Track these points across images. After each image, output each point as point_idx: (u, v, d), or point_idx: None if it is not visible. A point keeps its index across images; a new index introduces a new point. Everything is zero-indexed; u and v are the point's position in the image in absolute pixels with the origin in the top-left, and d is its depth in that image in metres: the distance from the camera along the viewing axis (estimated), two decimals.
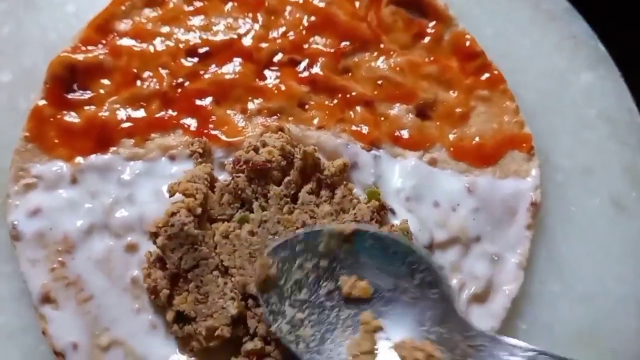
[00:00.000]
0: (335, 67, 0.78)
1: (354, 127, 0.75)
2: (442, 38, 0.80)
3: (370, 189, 0.71)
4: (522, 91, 0.80)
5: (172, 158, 0.72)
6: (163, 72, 0.76)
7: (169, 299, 0.64)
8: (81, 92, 0.75)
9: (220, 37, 0.78)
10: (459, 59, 0.79)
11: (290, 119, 0.75)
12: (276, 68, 0.78)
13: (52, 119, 0.73)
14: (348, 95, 0.76)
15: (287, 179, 0.69)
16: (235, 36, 0.78)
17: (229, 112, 0.75)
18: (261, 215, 0.67)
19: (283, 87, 0.76)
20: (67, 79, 0.75)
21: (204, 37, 0.78)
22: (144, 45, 0.77)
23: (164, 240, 0.63)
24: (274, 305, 0.60)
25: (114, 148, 0.73)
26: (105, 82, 0.75)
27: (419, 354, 0.55)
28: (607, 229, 0.76)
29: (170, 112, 0.75)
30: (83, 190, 0.71)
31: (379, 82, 0.77)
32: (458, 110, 0.77)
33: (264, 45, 0.78)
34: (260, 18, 0.80)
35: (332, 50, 0.78)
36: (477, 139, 0.76)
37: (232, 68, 0.77)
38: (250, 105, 0.75)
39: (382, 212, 0.69)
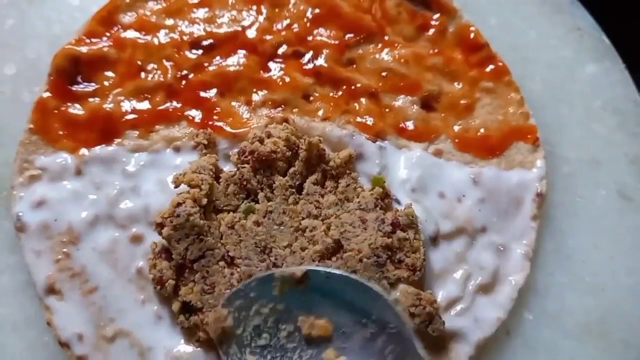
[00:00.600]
0: (340, 58, 0.78)
1: (358, 119, 0.74)
2: (447, 30, 0.80)
3: (375, 176, 0.71)
4: (528, 83, 0.80)
5: (177, 149, 0.72)
6: (167, 64, 0.76)
7: (174, 290, 0.64)
8: (85, 84, 0.75)
9: (224, 30, 0.78)
10: (464, 50, 0.79)
11: (294, 110, 0.75)
12: (280, 60, 0.77)
13: (56, 111, 0.73)
14: (353, 87, 0.76)
15: (292, 169, 0.69)
16: (239, 28, 0.78)
17: (233, 103, 0.75)
18: (266, 205, 0.67)
19: (287, 79, 0.76)
20: (71, 71, 0.75)
21: (208, 29, 0.78)
22: (148, 38, 0.77)
23: (170, 230, 0.63)
24: (235, 355, 0.60)
25: (119, 140, 0.72)
26: (110, 74, 0.75)
27: None
28: (614, 221, 0.75)
29: (174, 103, 0.74)
30: (87, 181, 0.70)
31: (384, 73, 0.77)
32: (463, 101, 0.77)
33: (268, 37, 0.78)
34: (264, 10, 0.80)
35: (337, 42, 0.78)
36: (482, 130, 0.76)
37: (236, 60, 0.77)
38: (255, 97, 0.75)
39: (386, 199, 0.69)
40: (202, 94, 0.75)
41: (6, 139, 0.74)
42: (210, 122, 0.73)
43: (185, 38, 0.77)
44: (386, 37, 0.79)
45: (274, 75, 0.76)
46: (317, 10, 0.79)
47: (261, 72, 0.76)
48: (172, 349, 0.65)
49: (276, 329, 0.61)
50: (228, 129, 0.73)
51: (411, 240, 0.66)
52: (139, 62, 0.76)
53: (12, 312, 0.68)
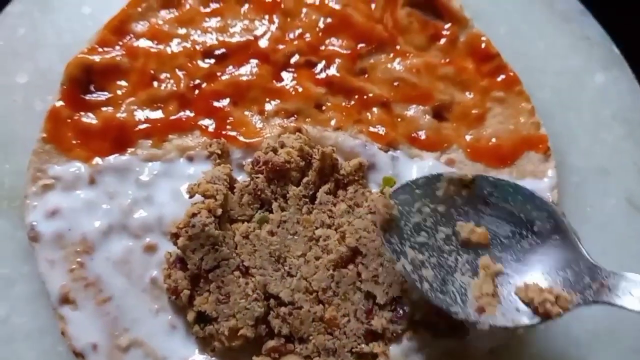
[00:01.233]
0: (352, 68, 0.78)
1: (371, 128, 0.75)
2: (458, 39, 0.80)
3: (386, 175, 0.71)
4: (537, 91, 0.80)
5: (190, 159, 0.72)
6: (180, 73, 0.76)
7: (189, 300, 0.64)
8: (98, 93, 0.75)
9: (236, 39, 0.79)
10: (475, 60, 0.80)
11: (307, 120, 0.75)
12: (293, 69, 0.78)
13: (69, 120, 0.73)
14: (365, 97, 0.76)
15: (305, 179, 0.69)
16: (251, 38, 0.79)
17: (246, 113, 0.75)
18: (280, 215, 0.67)
19: (300, 89, 0.76)
20: (83, 80, 0.75)
21: (221, 38, 0.78)
22: (161, 47, 0.78)
23: (185, 241, 0.63)
24: (395, 245, 0.61)
25: (132, 149, 0.73)
26: (122, 83, 0.76)
27: (547, 296, 0.56)
28: (624, 229, 0.76)
29: (187, 113, 0.75)
30: (101, 191, 0.71)
31: (396, 83, 0.78)
32: (474, 111, 0.77)
33: (280, 46, 0.78)
34: (276, 20, 0.80)
35: (349, 52, 0.78)
36: (493, 139, 0.76)
37: (249, 69, 0.77)
38: (268, 107, 0.76)
39: None
40: (215, 103, 0.75)
41: (19, 147, 0.74)
42: (223, 132, 0.73)
43: (197, 47, 0.78)
44: (398, 47, 0.80)
45: (286, 84, 0.77)
46: (329, 20, 0.80)
47: (274, 81, 0.77)
48: (187, 358, 0.65)
49: (434, 230, 0.62)
50: (241, 138, 0.73)
51: None
52: (152, 71, 0.76)
53: (26, 321, 0.69)
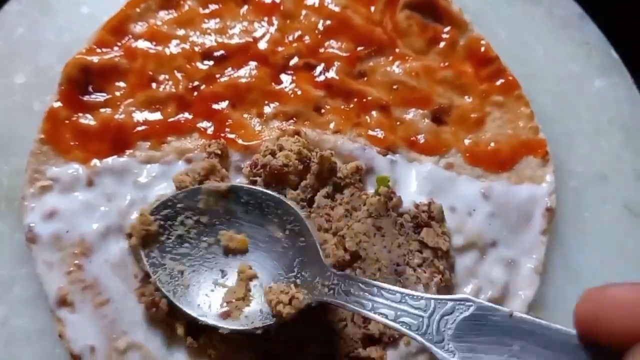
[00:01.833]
0: (351, 71, 0.78)
1: (370, 132, 0.75)
2: (457, 43, 0.80)
3: (379, 175, 0.72)
4: (537, 96, 0.80)
5: (189, 161, 0.72)
6: (179, 75, 0.76)
7: (170, 309, 0.64)
8: (96, 94, 0.75)
9: (235, 41, 0.78)
10: (474, 64, 0.79)
11: (306, 123, 0.75)
12: (292, 72, 0.78)
13: (67, 121, 0.73)
14: (364, 100, 0.76)
15: (303, 183, 0.69)
16: (250, 40, 0.78)
17: (245, 115, 0.75)
18: None
19: (299, 91, 0.76)
20: (82, 81, 0.75)
21: (220, 40, 0.78)
22: (160, 48, 0.77)
23: (135, 241, 0.64)
24: (155, 258, 0.64)
25: (130, 151, 0.73)
26: (121, 84, 0.75)
27: (283, 297, 0.58)
28: (621, 235, 0.76)
29: (186, 115, 0.75)
30: (99, 192, 0.71)
31: (395, 86, 0.78)
32: (473, 115, 0.77)
33: (279, 49, 0.78)
34: (275, 22, 0.80)
35: (348, 55, 0.78)
36: (492, 144, 0.76)
37: (248, 72, 0.77)
38: (267, 109, 0.75)
39: (392, 198, 0.69)
40: (214, 105, 0.75)
41: (17, 148, 0.74)
42: (222, 134, 0.73)
43: (196, 49, 0.77)
44: (397, 50, 0.79)
45: (285, 87, 0.77)
46: (328, 22, 0.79)
47: (272, 84, 0.77)
48: None
49: (198, 240, 0.65)
50: (240, 141, 0.73)
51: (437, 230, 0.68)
52: (150, 73, 0.76)
53: (24, 323, 0.69)
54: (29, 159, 0.71)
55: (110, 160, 0.72)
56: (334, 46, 0.79)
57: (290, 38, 0.79)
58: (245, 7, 0.81)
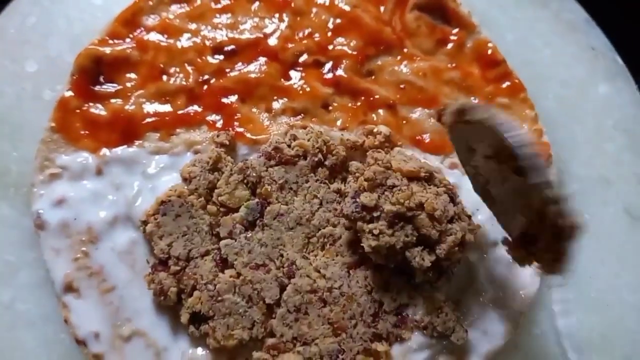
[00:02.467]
0: (359, 69, 0.79)
1: None
2: (465, 45, 0.81)
3: None
4: (541, 99, 0.81)
5: (197, 153, 0.73)
6: (189, 68, 0.77)
7: (178, 297, 0.65)
8: (107, 85, 0.76)
9: (246, 36, 0.79)
10: (481, 66, 0.80)
11: (313, 119, 0.76)
12: (301, 68, 0.78)
13: (78, 111, 0.74)
14: (371, 98, 0.77)
15: (315, 174, 0.70)
16: (261, 35, 0.79)
17: (253, 110, 0.76)
18: (279, 208, 0.68)
19: (308, 88, 0.77)
20: (93, 71, 0.76)
21: (231, 35, 0.79)
22: (171, 41, 0.78)
23: (153, 227, 0.65)
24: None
25: (139, 141, 0.73)
26: (132, 75, 0.76)
27: None
28: (622, 239, 0.77)
29: (195, 107, 0.75)
30: (108, 181, 0.71)
31: (402, 86, 0.78)
32: None
33: (289, 45, 0.79)
34: (286, 18, 0.81)
35: (356, 53, 0.79)
36: None
37: (257, 67, 0.78)
38: (275, 105, 0.76)
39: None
40: (223, 99, 0.76)
41: (27, 135, 0.75)
42: (230, 128, 0.74)
43: (207, 43, 0.78)
44: (405, 50, 0.80)
45: (294, 83, 0.77)
46: (338, 20, 0.80)
47: (282, 80, 0.77)
48: (188, 350, 0.66)
49: None
50: (248, 135, 0.74)
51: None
52: (161, 65, 0.77)
53: (29, 308, 0.69)
54: (40, 147, 0.72)
55: (119, 150, 0.73)
56: (343, 44, 0.80)
57: (300, 35, 0.80)
58: (257, 3, 0.81)
